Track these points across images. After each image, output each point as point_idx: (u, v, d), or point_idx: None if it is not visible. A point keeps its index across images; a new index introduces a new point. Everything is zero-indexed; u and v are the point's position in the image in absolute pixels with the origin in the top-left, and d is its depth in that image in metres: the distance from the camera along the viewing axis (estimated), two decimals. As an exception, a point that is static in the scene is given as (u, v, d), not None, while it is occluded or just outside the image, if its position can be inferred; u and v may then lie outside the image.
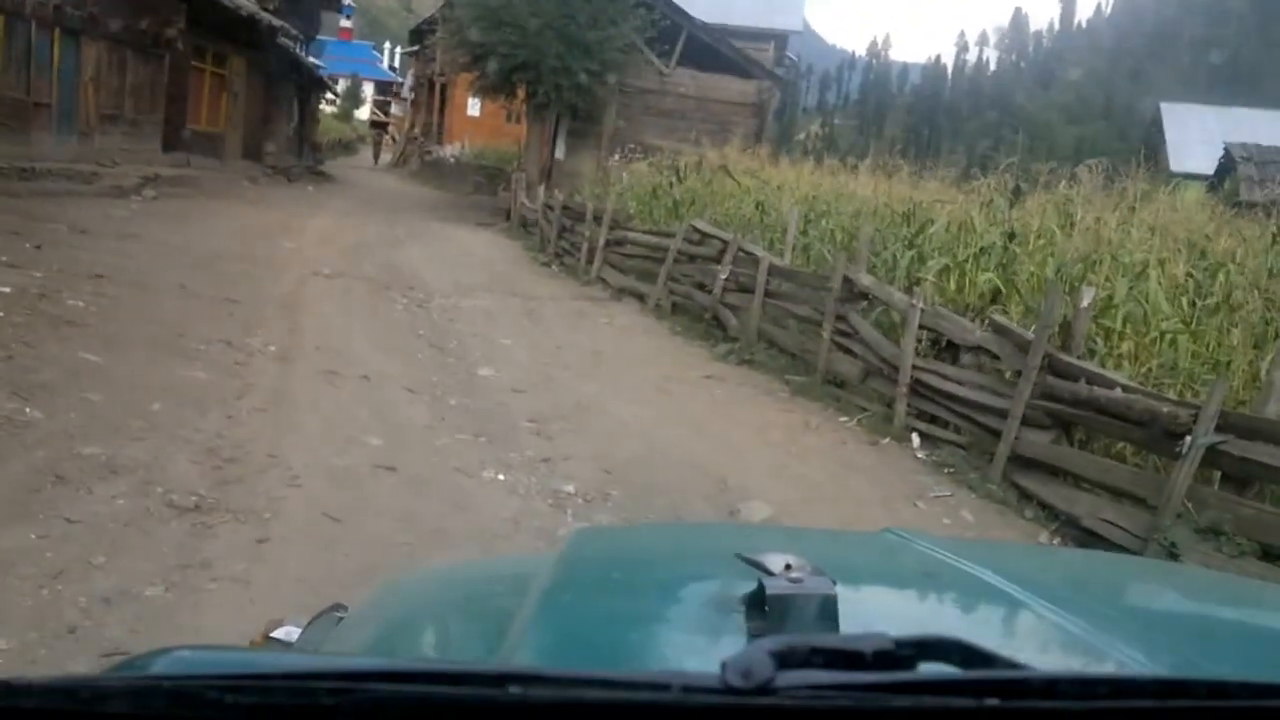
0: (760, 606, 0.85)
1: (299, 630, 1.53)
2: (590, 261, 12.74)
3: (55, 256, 8.52)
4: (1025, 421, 5.56)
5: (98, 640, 2.93)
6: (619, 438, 5.90)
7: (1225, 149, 26.50)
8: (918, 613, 1.16)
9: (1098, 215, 8.50)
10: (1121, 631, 1.01)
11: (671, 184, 13.92)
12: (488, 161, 28.62)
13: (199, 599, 3.28)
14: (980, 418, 6.00)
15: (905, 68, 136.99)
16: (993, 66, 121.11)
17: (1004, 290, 7.20)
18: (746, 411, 7.05)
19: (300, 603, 3.17)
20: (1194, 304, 6.40)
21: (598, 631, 1.03)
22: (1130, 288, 6.55)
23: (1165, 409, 4.61)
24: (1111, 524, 4.80)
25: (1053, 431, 5.53)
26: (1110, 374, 5.31)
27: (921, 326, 6.57)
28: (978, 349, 6.24)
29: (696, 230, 10.42)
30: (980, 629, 1.11)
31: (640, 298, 11.17)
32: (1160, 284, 6.58)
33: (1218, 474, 4.64)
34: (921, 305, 6.54)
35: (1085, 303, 5.59)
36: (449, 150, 32.48)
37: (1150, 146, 30.62)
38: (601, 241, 12.46)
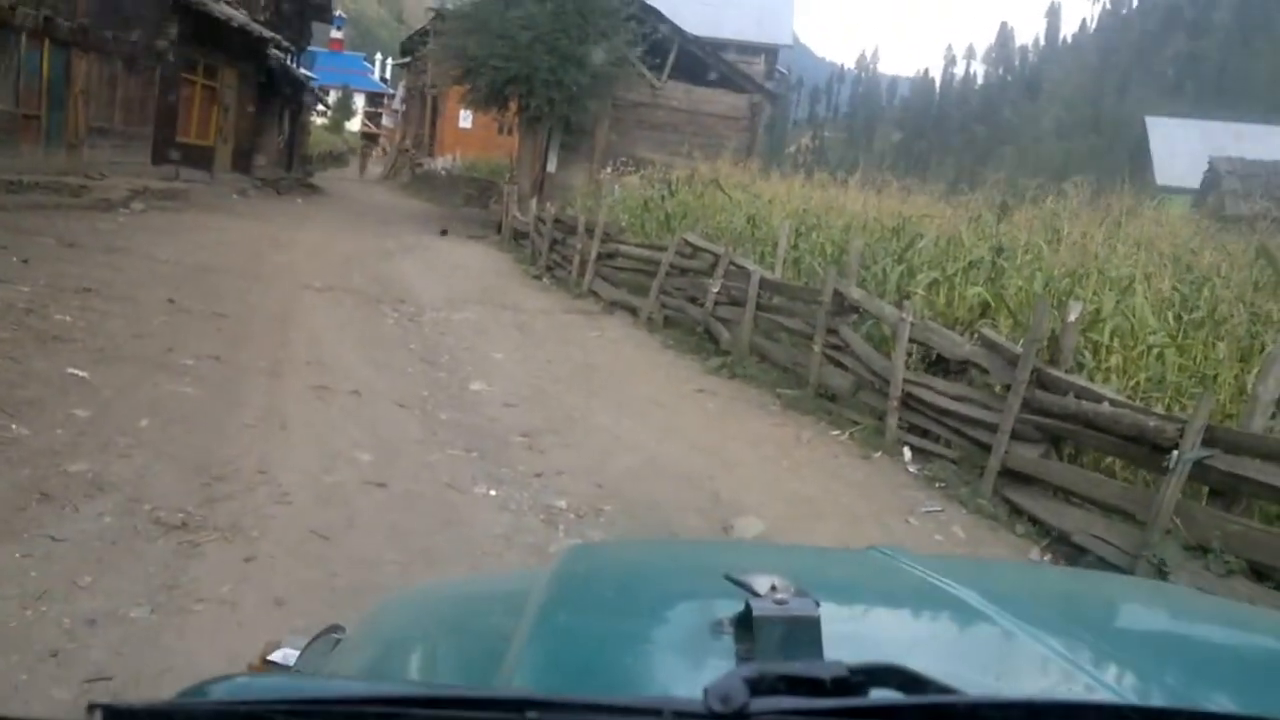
0: (747, 627, 0.87)
1: (297, 652, 1.53)
2: (582, 274, 12.75)
3: (43, 270, 8.48)
4: (1015, 436, 5.58)
5: (82, 663, 2.90)
6: (611, 452, 5.90)
7: (1210, 163, 26.75)
8: (898, 634, 1.18)
9: (1084, 230, 8.59)
10: (1100, 654, 1.03)
11: (663, 197, 13.95)
12: (479, 174, 28.63)
13: (185, 620, 3.24)
14: (971, 432, 6.01)
15: (894, 81, 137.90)
16: (980, 80, 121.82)
17: (993, 304, 7.23)
18: (739, 425, 7.06)
19: (289, 623, 3.16)
20: (1180, 318, 6.44)
21: (591, 653, 1.04)
22: (1117, 302, 6.60)
23: (1152, 423, 4.62)
24: (1101, 540, 4.81)
25: (1042, 446, 5.55)
26: (1098, 388, 5.33)
27: (912, 340, 6.59)
28: (967, 363, 6.26)
29: (688, 243, 10.44)
30: (957, 651, 1.11)
31: (632, 311, 11.17)
32: (1147, 298, 6.63)
33: (1205, 489, 4.65)
34: (911, 319, 6.56)
35: (1073, 317, 5.61)
36: (440, 162, 32.49)
37: (1136, 160, 30.91)
38: (593, 254, 12.47)
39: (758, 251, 10.01)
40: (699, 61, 22.74)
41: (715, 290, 9.46)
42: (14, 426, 4.68)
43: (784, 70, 37.03)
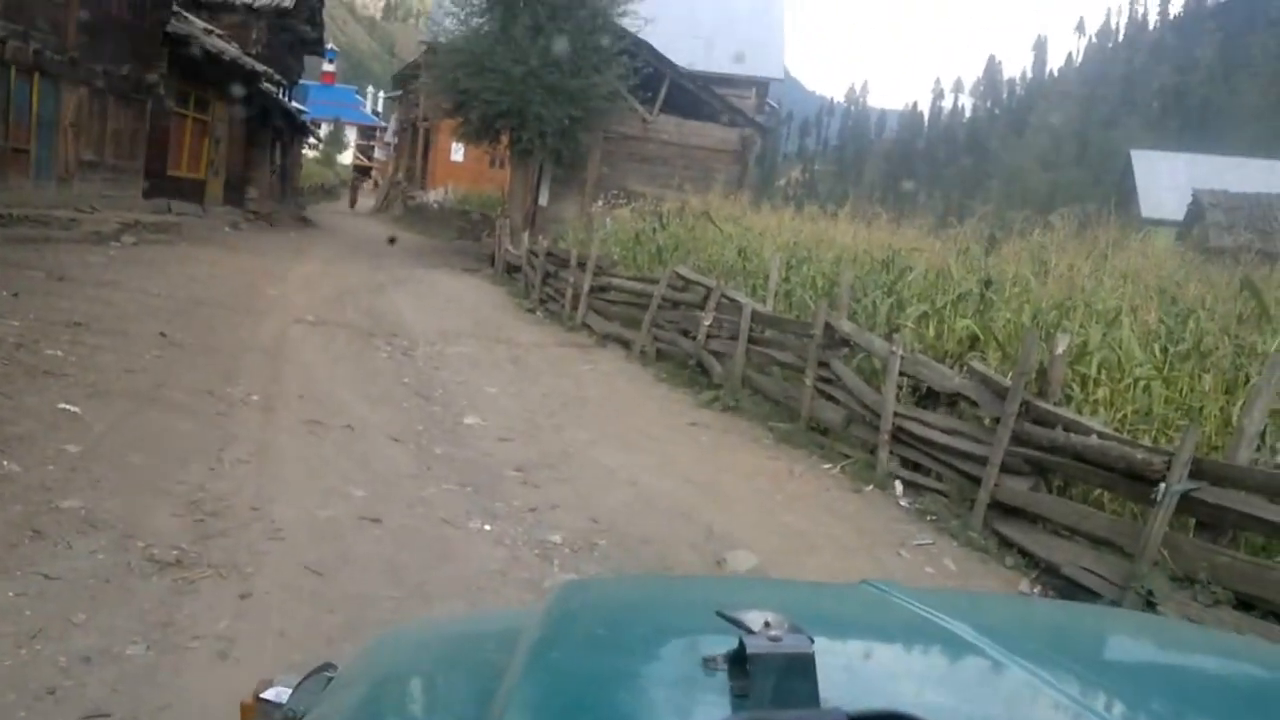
0: (741, 665, 0.89)
1: (289, 690, 1.54)
2: (575, 308, 12.80)
3: (33, 304, 8.45)
4: (1004, 468, 5.62)
5: (79, 701, 2.90)
6: (605, 486, 5.91)
7: (1194, 195, 27.02)
8: (892, 669, 1.19)
9: (1071, 262, 8.68)
10: (1091, 686, 1.05)
11: (655, 230, 14.06)
12: (471, 207, 28.76)
13: (181, 657, 3.24)
14: (961, 464, 6.05)
15: (883, 114, 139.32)
16: (968, 114, 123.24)
17: (981, 337, 7.30)
18: (732, 459, 7.08)
19: (284, 660, 3.17)
20: (1166, 351, 6.50)
21: (584, 691, 1.04)
22: (1104, 334, 6.67)
23: (1140, 456, 4.67)
24: (1090, 571, 4.84)
25: (1031, 478, 5.58)
26: (1086, 420, 5.38)
27: (902, 373, 6.64)
28: (957, 396, 6.31)
29: (680, 276, 10.51)
30: (950, 686, 1.13)
31: (625, 344, 11.22)
32: (1133, 331, 6.71)
33: (1192, 521, 4.69)
34: (901, 352, 6.61)
35: (1060, 350, 5.67)
36: (432, 195, 32.64)
37: (1122, 193, 31.23)
38: (586, 288, 12.54)
39: (749, 284, 10.08)
40: (690, 95, 22.96)
41: (707, 323, 9.51)
42: (5, 463, 4.67)
43: (774, 104, 37.43)
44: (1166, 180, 33.24)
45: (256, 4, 24.51)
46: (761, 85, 32.26)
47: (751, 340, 8.76)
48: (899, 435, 6.57)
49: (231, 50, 21.15)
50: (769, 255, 10.31)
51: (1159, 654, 1.45)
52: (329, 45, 46.79)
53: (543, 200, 22.00)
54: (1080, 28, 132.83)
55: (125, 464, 4.99)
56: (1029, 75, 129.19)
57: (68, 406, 5.75)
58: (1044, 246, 9.57)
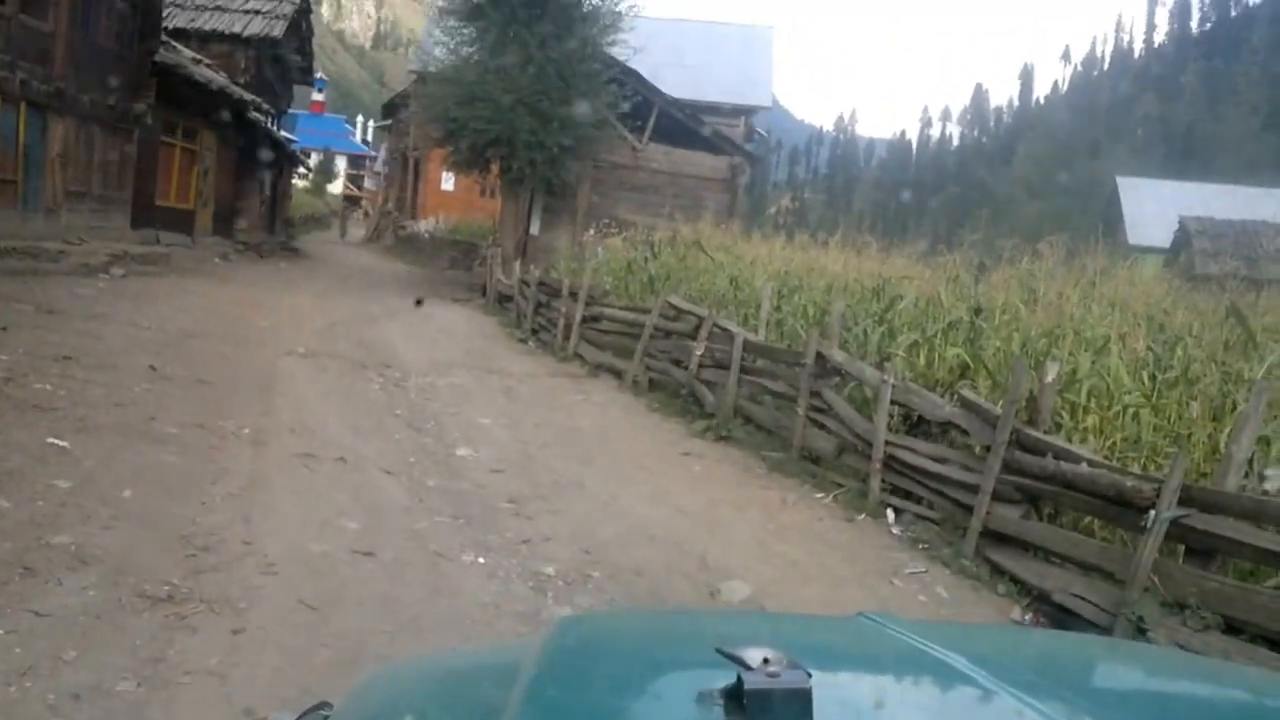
0: (739, 701, 0.90)
1: None
2: (567, 338, 12.83)
3: (21, 338, 8.43)
4: (996, 496, 5.64)
5: (69, 740, 2.88)
6: (598, 517, 5.91)
7: (1180, 223, 27.27)
8: (888, 702, 1.20)
9: (1060, 290, 8.75)
10: (1085, 715, 1.06)
11: (646, 259, 14.11)
12: (462, 236, 28.82)
13: (172, 694, 3.23)
14: (952, 493, 6.07)
15: (871, 143, 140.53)
16: (955, 142, 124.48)
17: (972, 365, 7.34)
18: (725, 489, 7.08)
19: (278, 695, 3.15)
20: (1154, 378, 6.55)
21: None
22: (1093, 362, 6.72)
23: (1129, 483, 4.70)
24: (1081, 598, 4.86)
25: (1022, 506, 5.61)
26: (1076, 448, 5.41)
27: (893, 402, 6.67)
28: (948, 424, 6.34)
29: (672, 306, 10.55)
30: (948, 717, 1.15)
31: (617, 374, 11.23)
32: (1121, 359, 6.75)
33: (1182, 547, 4.72)
34: (893, 381, 6.65)
35: (1050, 378, 5.71)
36: (423, 225, 32.71)
37: (1108, 220, 31.52)
38: (578, 317, 12.57)
39: (741, 313, 10.13)
40: (679, 124, 23.13)
41: (699, 353, 9.54)
42: (-5, 499, 4.66)
43: (763, 132, 37.73)
44: (1153, 207, 33.57)
45: (245, 33, 24.61)
46: (750, 114, 32.54)
47: (744, 370, 8.79)
48: (891, 464, 6.59)
49: (220, 79, 21.20)
50: (760, 284, 10.36)
51: (1149, 682, 1.47)
52: (318, 74, 47.06)
53: (534, 229, 22.07)
54: (1066, 56, 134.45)
55: (116, 499, 4.97)
56: (1015, 104, 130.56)
57: (57, 441, 5.73)
58: (1033, 274, 9.64)
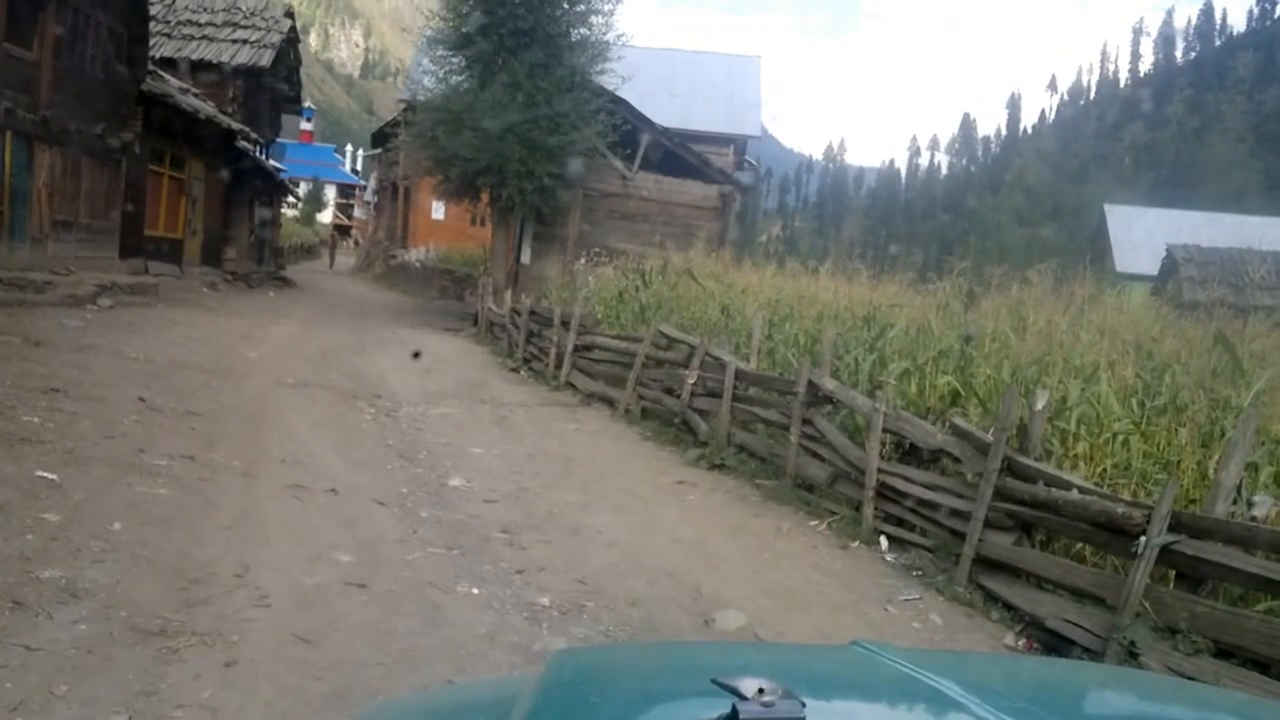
0: None
1: None
2: (559, 367, 12.84)
3: (8, 370, 8.38)
4: (988, 524, 5.66)
5: (61, 776, 2.85)
6: (592, 547, 5.90)
7: (1168, 250, 27.49)
8: None
9: (1049, 317, 8.80)
10: None
11: (638, 288, 14.15)
12: (453, 265, 28.88)
13: (165, 729, 3.21)
14: (945, 520, 6.09)
15: (861, 171, 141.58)
16: (944, 170, 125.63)
17: (963, 393, 7.38)
18: (718, 517, 7.08)
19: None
20: (1143, 405, 6.60)
21: None
22: (1082, 390, 6.76)
23: (1120, 510, 4.73)
24: (1074, 624, 4.87)
25: (1014, 533, 5.63)
26: (1067, 475, 5.44)
27: (885, 430, 6.70)
28: (940, 452, 6.37)
29: (664, 335, 10.58)
30: None
31: (610, 403, 11.24)
32: (1111, 386, 6.80)
33: (1173, 573, 4.74)
34: (884, 409, 6.68)
35: (1040, 405, 5.75)
36: (414, 254, 32.79)
37: (1096, 248, 31.72)
38: (570, 347, 12.59)
39: (733, 342, 10.15)
40: (669, 152, 23.28)
41: (692, 382, 9.56)
42: (-17, 533, 4.63)
43: (753, 161, 38.04)
44: (1140, 235, 33.88)
45: (233, 62, 24.69)
46: (739, 142, 32.84)
47: (736, 398, 8.81)
48: (884, 491, 6.61)
49: (208, 108, 21.25)
50: (752, 313, 10.40)
51: (1141, 709, 1.49)
52: (306, 103, 47.33)
53: (525, 258, 22.14)
54: (1053, 85, 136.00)
55: (106, 532, 4.94)
56: (1003, 132, 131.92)
57: (46, 474, 5.68)
58: (1022, 302, 9.70)
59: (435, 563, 5.24)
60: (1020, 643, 5.08)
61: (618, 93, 20.22)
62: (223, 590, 4.42)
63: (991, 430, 5.86)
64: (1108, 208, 38.99)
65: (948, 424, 6.54)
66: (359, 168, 69.43)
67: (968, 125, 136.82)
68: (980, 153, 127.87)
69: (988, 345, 8.22)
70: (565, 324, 12.88)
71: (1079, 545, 5.46)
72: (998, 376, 7.37)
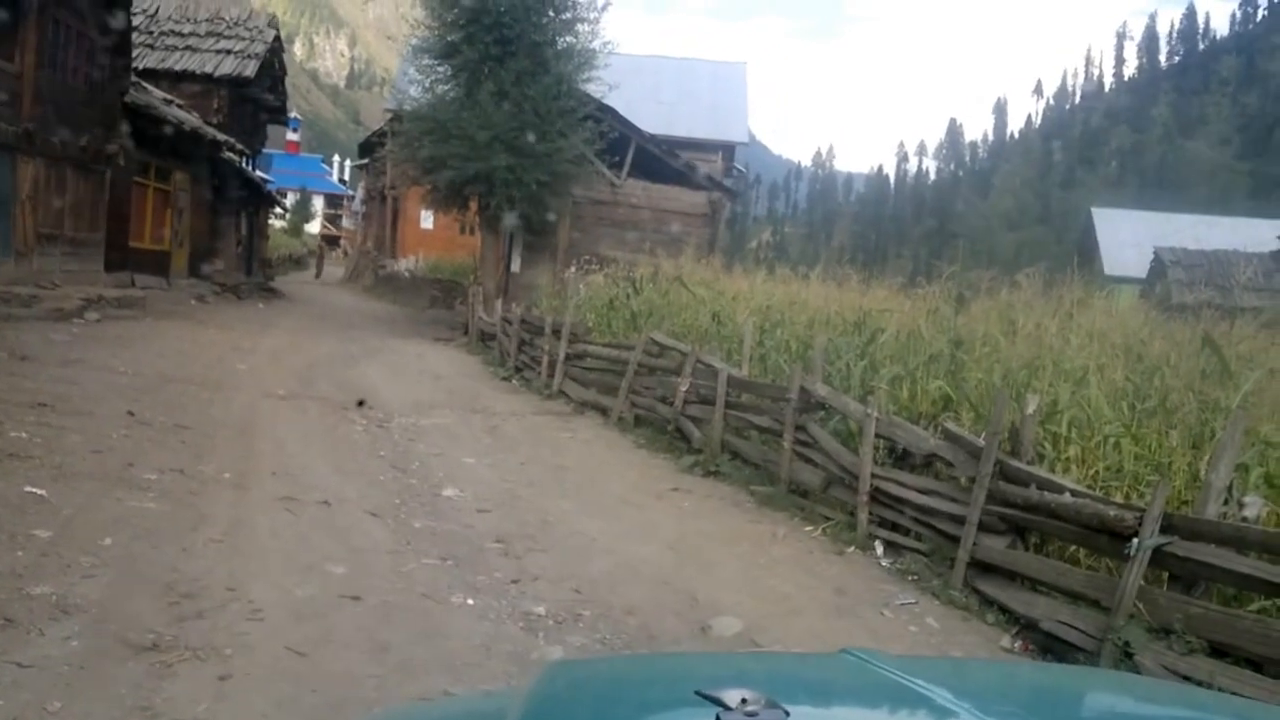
0: None
1: None
2: (551, 375, 12.82)
3: (-6, 386, 8.35)
4: (982, 527, 5.68)
5: (55, 795, 2.83)
6: (588, 555, 5.89)
7: (1155, 253, 27.67)
8: None
9: (1038, 321, 8.84)
10: None
11: (629, 296, 14.16)
12: (443, 275, 28.85)
13: (159, 744, 3.19)
14: (939, 524, 6.10)
15: (850, 177, 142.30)
16: (932, 176, 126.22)
17: (954, 397, 7.40)
18: (714, 524, 7.08)
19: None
20: (1134, 407, 6.63)
21: None
22: (1073, 393, 6.79)
23: (1112, 512, 4.75)
24: (1068, 626, 4.89)
25: (1008, 536, 5.64)
26: (1059, 479, 5.46)
27: (878, 435, 6.71)
28: (933, 456, 6.38)
29: (655, 342, 10.58)
30: None
31: (603, 411, 11.23)
32: (1101, 389, 6.83)
33: (1165, 574, 4.76)
34: (877, 414, 6.69)
35: (1031, 409, 5.77)
36: (403, 264, 32.74)
37: (1084, 250, 31.95)
38: (561, 355, 12.58)
39: (725, 348, 10.17)
40: (657, 159, 23.32)
41: (684, 389, 9.57)
42: (-28, 549, 4.60)
43: (741, 168, 38.15)
44: (1128, 238, 34.12)
45: (217, 73, 24.61)
46: (727, 149, 32.92)
47: (729, 405, 8.82)
48: (877, 496, 6.62)
49: (192, 119, 21.17)
50: (742, 319, 10.42)
51: (1135, 714, 1.49)
52: (292, 114, 47.20)
53: (515, 267, 22.14)
54: (1038, 90, 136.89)
55: (96, 547, 4.91)
56: (990, 137, 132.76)
57: (34, 490, 5.65)
58: (1011, 306, 9.75)
59: (429, 573, 5.22)
60: (1016, 645, 5.09)
61: (605, 100, 20.23)
62: (215, 604, 4.40)
63: (983, 434, 5.88)
64: (1095, 211, 39.26)
65: (940, 428, 6.56)
66: (346, 178, 69.35)
67: (955, 130, 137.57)
68: (968, 157, 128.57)
69: (978, 349, 8.25)
70: (557, 332, 12.87)
71: (1073, 548, 5.48)
72: (988, 381, 7.39)
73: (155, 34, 24.64)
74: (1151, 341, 8.63)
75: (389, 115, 26.53)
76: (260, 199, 30.70)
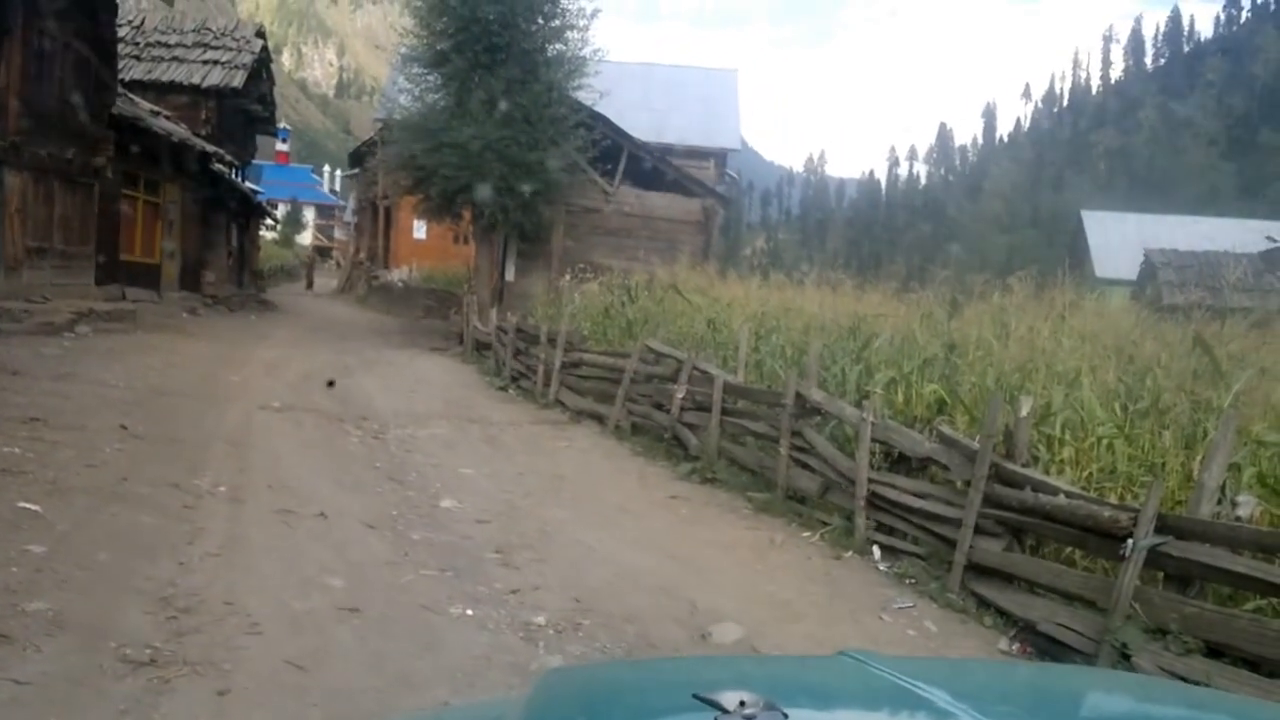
0: None
1: None
2: (547, 384, 12.81)
3: (-15, 402, 8.30)
4: (978, 530, 5.69)
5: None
6: (587, 564, 5.89)
7: (1146, 255, 27.78)
8: None
9: (1031, 324, 8.87)
10: None
11: (624, 303, 14.17)
12: (437, 284, 28.78)
13: (159, 760, 3.17)
14: (936, 528, 6.12)
15: (842, 183, 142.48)
16: (923, 180, 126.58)
17: (949, 401, 7.42)
18: (712, 531, 7.08)
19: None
20: (1126, 409, 6.65)
21: None
22: (1066, 395, 6.81)
23: (1107, 514, 4.77)
24: (1066, 627, 4.91)
25: (1004, 539, 5.66)
26: (1054, 481, 5.48)
27: (874, 439, 6.73)
28: (928, 460, 6.40)
29: (651, 350, 10.58)
30: None
31: (599, 419, 11.22)
32: (1094, 390, 6.85)
33: (1161, 574, 4.78)
34: (872, 419, 6.71)
35: (1024, 412, 5.79)
36: (396, 274, 32.65)
37: (1075, 253, 32.08)
38: (557, 364, 12.55)
39: (720, 355, 10.17)
40: (650, 167, 23.34)
41: (680, 396, 9.56)
42: (-33, 566, 4.58)
43: (734, 174, 38.24)
44: (1118, 240, 34.24)
45: (204, 84, 24.52)
46: (719, 156, 32.99)
47: (725, 411, 8.82)
48: (874, 501, 6.63)
49: (180, 131, 21.05)
50: (738, 326, 10.42)
51: (1134, 713, 1.50)
52: (281, 124, 47.10)
53: (509, 276, 22.13)
54: (1026, 94, 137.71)
55: (92, 562, 4.89)
56: (980, 141, 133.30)
57: (28, 505, 5.61)
58: (1004, 309, 9.78)
59: (428, 585, 5.21)
60: (1014, 647, 5.10)
61: (596, 108, 20.25)
62: (213, 618, 4.38)
63: (978, 438, 5.90)
64: (1085, 214, 39.41)
65: (935, 432, 6.58)
66: (338, 188, 69.15)
67: (944, 135, 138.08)
68: (958, 162, 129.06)
69: (972, 353, 8.28)
70: (552, 341, 12.86)
71: (1068, 549, 5.50)
72: (982, 384, 7.41)
73: (141, 45, 24.55)
74: (1143, 343, 8.67)
75: (379, 125, 26.49)
76: (251, 210, 30.59)
